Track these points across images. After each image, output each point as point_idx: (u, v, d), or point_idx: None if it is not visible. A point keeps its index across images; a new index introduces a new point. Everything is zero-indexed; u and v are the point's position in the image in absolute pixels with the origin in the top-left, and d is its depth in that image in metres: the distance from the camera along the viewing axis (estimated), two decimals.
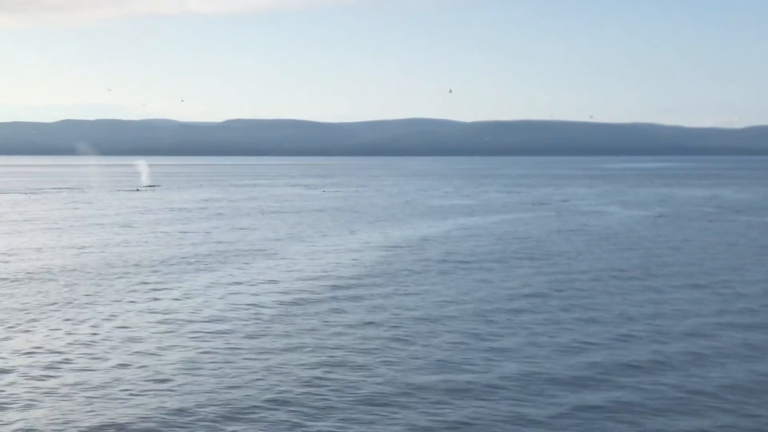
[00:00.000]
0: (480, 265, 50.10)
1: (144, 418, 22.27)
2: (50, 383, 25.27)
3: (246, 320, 34.11)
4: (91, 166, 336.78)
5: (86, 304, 37.47)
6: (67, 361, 27.62)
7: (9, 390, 24.59)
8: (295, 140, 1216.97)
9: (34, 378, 25.82)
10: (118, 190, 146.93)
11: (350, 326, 33.07)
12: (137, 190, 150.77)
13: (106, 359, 28.00)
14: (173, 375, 26.17)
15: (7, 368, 26.84)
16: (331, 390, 24.67)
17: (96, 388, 24.80)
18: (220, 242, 62.94)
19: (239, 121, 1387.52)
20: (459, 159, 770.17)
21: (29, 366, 27.10)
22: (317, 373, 26.35)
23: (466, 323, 33.59)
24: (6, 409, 23.00)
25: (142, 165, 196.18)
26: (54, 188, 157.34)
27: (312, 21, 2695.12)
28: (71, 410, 22.85)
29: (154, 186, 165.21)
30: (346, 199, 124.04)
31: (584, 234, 69.42)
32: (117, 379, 25.67)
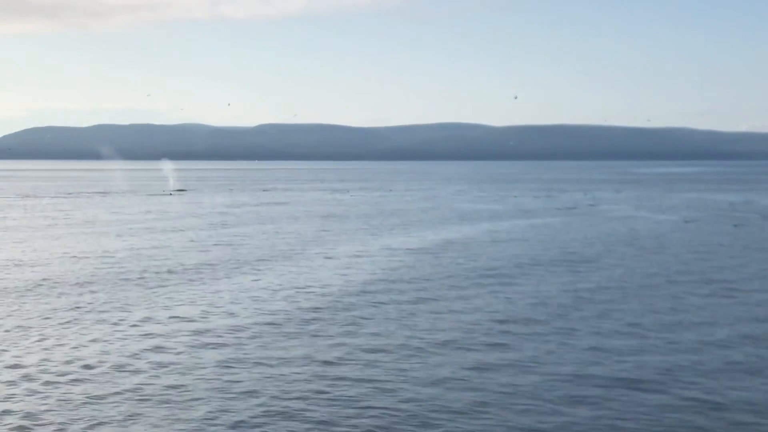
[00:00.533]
0: (500, 271, 50.16)
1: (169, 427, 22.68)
2: (71, 389, 25.74)
3: (264, 325, 34.47)
4: (123, 170, 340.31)
5: (109, 308, 38.03)
6: (89, 366, 28.07)
7: (30, 392, 25.14)
8: (327, 144, 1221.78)
9: (53, 384, 26.29)
10: (151, 194, 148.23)
11: (365, 334, 33.37)
12: (170, 194, 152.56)
13: (127, 363, 28.45)
14: (199, 379, 26.57)
15: (34, 371, 27.35)
16: (361, 397, 24.99)
17: (120, 393, 25.24)
18: (243, 247, 63.41)
19: (272, 126, 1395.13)
20: (491, 163, 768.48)
21: (58, 369, 27.61)
22: (340, 378, 26.67)
23: (483, 327, 33.77)
24: (36, 414, 23.50)
25: (167, 169, 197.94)
26: (85, 192, 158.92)
27: (344, 25, 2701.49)
28: (92, 415, 23.31)
29: (182, 190, 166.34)
30: (372, 203, 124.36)
31: (608, 238, 69.16)
32: (142, 385, 26.11)
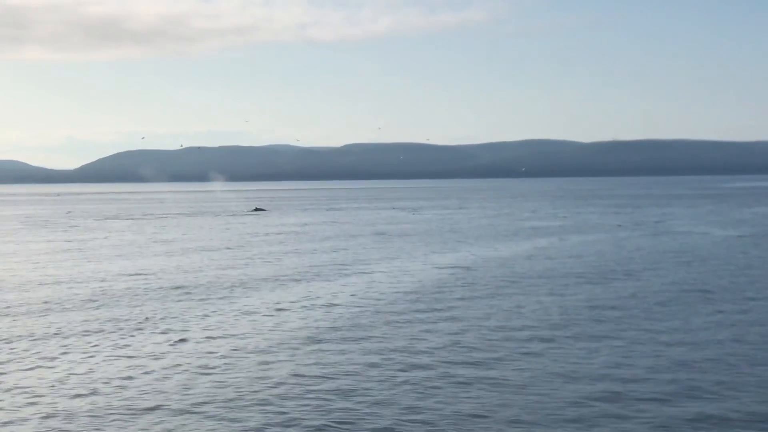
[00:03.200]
0: (525, 288, 51.18)
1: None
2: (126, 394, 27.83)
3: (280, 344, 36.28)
4: (209, 191, 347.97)
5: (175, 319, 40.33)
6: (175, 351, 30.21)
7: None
8: (413, 163, 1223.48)
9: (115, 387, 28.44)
10: (230, 215, 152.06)
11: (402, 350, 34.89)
12: (255, 209, 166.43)
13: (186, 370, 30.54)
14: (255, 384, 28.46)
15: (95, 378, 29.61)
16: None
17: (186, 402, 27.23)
18: (284, 266, 65.49)
19: (358, 146, 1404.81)
20: (577, 180, 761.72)
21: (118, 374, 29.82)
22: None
23: (518, 343, 35.00)
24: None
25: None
26: (162, 214, 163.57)
27: (430, 44, 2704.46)
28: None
29: (261, 209, 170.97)
30: (435, 221, 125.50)
31: (653, 254, 69.32)
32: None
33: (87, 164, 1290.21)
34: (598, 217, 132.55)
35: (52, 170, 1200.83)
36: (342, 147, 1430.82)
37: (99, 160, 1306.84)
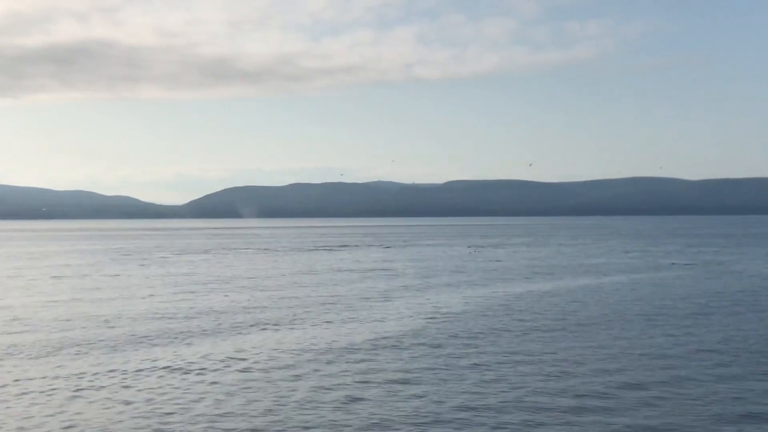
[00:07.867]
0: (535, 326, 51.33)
1: None
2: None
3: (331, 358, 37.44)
4: (303, 227, 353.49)
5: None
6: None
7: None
8: (516, 200, 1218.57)
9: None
10: (308, 250, 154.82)
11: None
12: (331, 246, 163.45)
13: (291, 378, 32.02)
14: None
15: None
16: None
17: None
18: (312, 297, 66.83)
19: (460, 182, 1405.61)
20: (680, 218, 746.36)
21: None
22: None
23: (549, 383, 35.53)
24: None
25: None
26: (243, 248, 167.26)
27: (536, 82, 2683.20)
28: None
29: (344, 246, 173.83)
30: (493, 260, 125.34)
31: (691, 293, 68.45)
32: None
33: (195, 200, 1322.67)
34: (670, 255, 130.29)
35: (160, 206, 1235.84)
36: (444, 184, 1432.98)
37: (206, 196, 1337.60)
